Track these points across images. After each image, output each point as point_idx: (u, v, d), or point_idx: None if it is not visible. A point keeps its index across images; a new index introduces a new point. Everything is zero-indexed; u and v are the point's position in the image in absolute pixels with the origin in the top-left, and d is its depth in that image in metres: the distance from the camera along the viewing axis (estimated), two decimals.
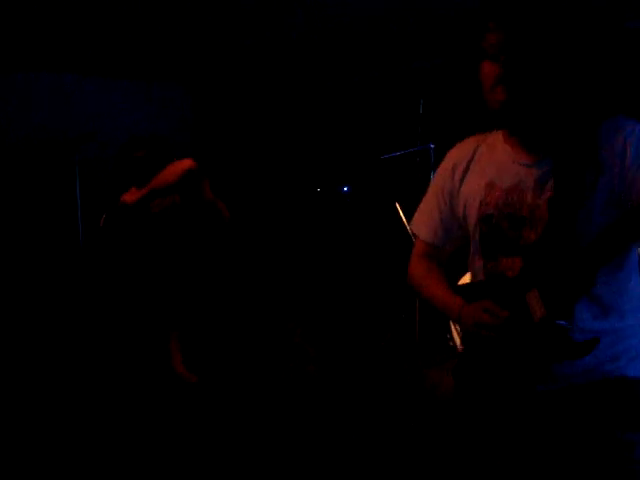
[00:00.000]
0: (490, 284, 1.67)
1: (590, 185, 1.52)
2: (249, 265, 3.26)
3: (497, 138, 1.73)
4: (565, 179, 1.54)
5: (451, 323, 4.04)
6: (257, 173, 6.79)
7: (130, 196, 3.17)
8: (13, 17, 4.33)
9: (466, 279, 2.79)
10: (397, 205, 4.26)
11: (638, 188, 1.48)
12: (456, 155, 1.82)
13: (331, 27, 4.99)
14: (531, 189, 1.60)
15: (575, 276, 1.50)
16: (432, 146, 4.32)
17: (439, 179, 1.84)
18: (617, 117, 1.56)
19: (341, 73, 6.84)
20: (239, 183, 6.43)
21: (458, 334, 3.78)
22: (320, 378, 2.81)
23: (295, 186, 6.68)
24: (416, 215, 1.93)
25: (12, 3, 4.08)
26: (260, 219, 6.31)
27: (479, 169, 1.74)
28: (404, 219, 4.27)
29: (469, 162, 1.77)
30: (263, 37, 5.24)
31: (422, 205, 1.90)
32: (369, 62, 6.37)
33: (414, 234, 1.93)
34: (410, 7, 4.51)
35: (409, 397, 3.95)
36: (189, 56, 5.88)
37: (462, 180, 1.77)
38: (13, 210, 5.68)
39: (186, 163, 3.24)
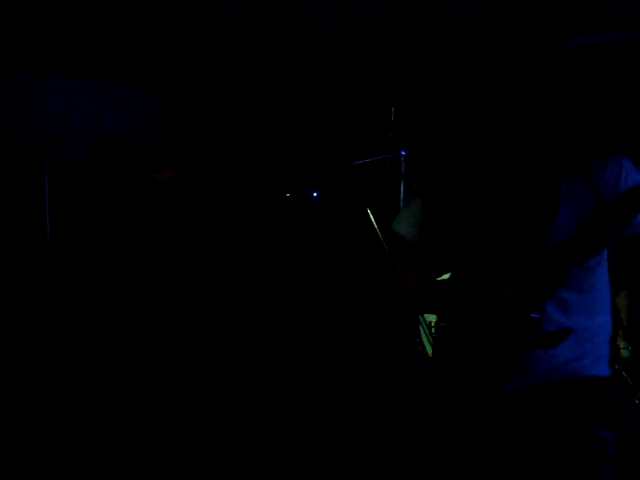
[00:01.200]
0: (469, 279, 1.78)
1: (563, 198, 1.64)
2: (218, 270, 3.24)
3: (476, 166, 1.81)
4: (541, 192, 1.65)
5: (421, 328, 4.07)
6: (226, 177, 6.79)
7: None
8: None
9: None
10: (368, 211, 4.29)
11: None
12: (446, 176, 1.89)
13: (304, 34, 5.02)
14: (511, 193, 1.71)
15: (547, 274, 1.62)
16: (403, 153, 4.36)
17: (427, 189, 1.91)
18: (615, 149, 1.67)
19: (313, 79, 6.87)
20: (208, 186, 6.42)
21: (428, 340, 3.81)
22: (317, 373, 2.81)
23: (264, 190, 6.68)
24: (398, 215, 2.03)
25: None
26: (229, 223, 6.30)
27: (468, 185, 1.81)
28: (375, 225, 4.30)
29: (459, 180, 1.84)
30: (236, 41, 5.25)
31: (406, 207, 2.01)
32: (341, 69, 6.41)
33: (394, 231, 2.01)
34: (386, 17, 4.55)
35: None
36: (159, 58, 5.86)
37: (452, 192, 1.84)
38: None
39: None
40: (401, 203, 4.49)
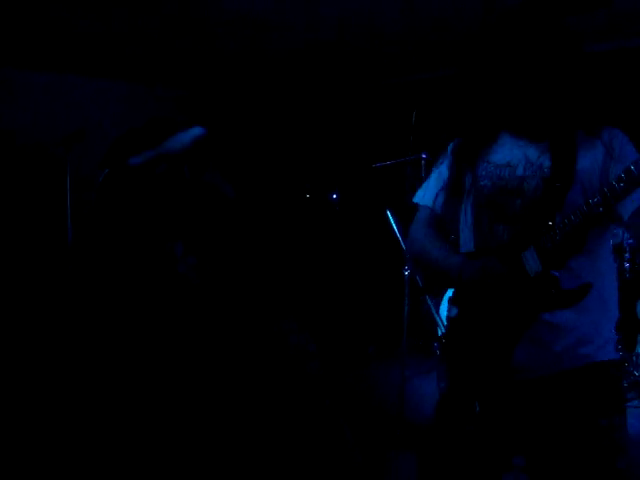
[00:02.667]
0: (481, 250, 1.84)
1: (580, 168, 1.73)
2: (241, 268, 3.23)
3: (487, 134, 1.89)
4: (560, 160, 1.74)
5: (439, 330, 4.06)
6: (246, 179, 6.81)
7: (137, 158, 3.04)
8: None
9: None
10: (388, 213, 4.28)
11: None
12: (458, 141, 1.98)
13: (325, 37, 5.03)
14: (522, 165, 1.79)
15: (569, 235, 1.67)
16: (424, 156, 4.34)
17: (442, 159, 1.99)
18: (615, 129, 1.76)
19: (336, 82, 6.88)
20: (227, 188, 6.43)
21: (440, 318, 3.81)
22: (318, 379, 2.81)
23: (284, 192, 6.69)
24: (419, 189, 2.05)
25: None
26: (249, 225, 6.31)
27: (480, 153, 1.90)
28: (395, 227, 4.29)
29: (470, 148, 1.92)
30: (254, 44, 5.27)
31: (426, 181, 2.05)
32: (363, 72, 6.41)
33: (416, 204, 2.04)
34: (406, 19, 4.55)
35: (393, 406, 3.96)
36: (177, 61, 5.89)
37: (464, 160, 1.93)
38: (1, 211, 5.66)
39: (196, 130, 3.13)
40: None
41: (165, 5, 4.28)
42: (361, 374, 4.98)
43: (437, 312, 4.04)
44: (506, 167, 1.80)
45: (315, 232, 6.21)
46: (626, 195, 1.58)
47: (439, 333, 4.08)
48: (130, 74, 6.45)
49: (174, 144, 3.07)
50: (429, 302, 3.95)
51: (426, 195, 2.00)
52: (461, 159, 1.90)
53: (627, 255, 4.38)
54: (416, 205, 2.04)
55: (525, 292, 1.72)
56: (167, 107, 6.94)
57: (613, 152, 1.69)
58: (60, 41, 5.14)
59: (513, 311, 1.74)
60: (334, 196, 6.03)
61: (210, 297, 3.06)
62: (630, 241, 4.27)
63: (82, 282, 5.09)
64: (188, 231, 3.11)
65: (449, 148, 1.97)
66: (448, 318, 1.92)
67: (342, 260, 6.28)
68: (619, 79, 4.97)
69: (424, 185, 2.03)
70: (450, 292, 2.29)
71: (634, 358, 4.32)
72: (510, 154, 1.82)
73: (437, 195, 1.95)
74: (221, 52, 5.58)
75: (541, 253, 1.69)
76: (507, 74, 1.72)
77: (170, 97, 7.00)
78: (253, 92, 7.17)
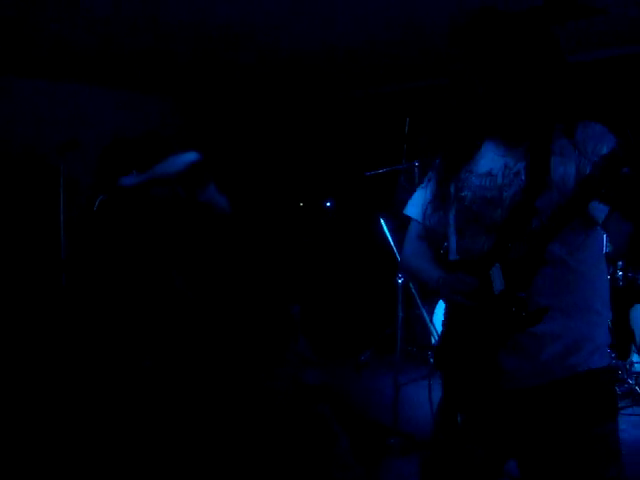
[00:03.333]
0: (462, 261, 1.83)
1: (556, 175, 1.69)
2: (230, 278, 3.22)
3: (475, 143, 1.89)
4: (535, 166, 1.71)
5: (432, 340, 4.06)
6: (240, 186, 6.81)
7: (129, 179, 3.03)
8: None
9: None
10: (382, 220, 4.28)
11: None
12: (446, 152, 1.96)
13: (319, 45, 5.04)
14: (501, 173, 1.77)
15: (529, 252, 1.64)
16: (417, 164, 4.35)
17: (431, 171, 1.98)
18: (591, 122, 1.72)
19: (328, 89, 6.89)
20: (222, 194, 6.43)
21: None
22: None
23: (278, 200, 6.69)
24: (409, 201, 2.04)
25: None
26: (243, 232, 6.31)
27: (464, 164, 1.89)
28: (388, 234, 4.29)
29: (456, 158, 1.91)
30: (250, 53, 5.28)
31: (416, 192, 2.03)
32: (357, 80, 6.43)
33: (407, 217, 2.04)
34: (398, 29, 4.57)
35: (387, 413, 3.96)
36: (173, 68, 5.90)
37: (450, 171, 1.91)
38: None
39: (190, 156, 3.11)
40: None
41: (160, 14, 4.29)
42: (354, 382, 4.98)
43: (430, 320, 4.04)
44: (487, 176, 1.79)
45: (309, 240, 6.21)
46: (593, 196, 1.54)
47: (432, 341, 4.08)
48: (125, 81, 6.45)
49: (167, 168, 3.05)
50: (422, 310, 3.95)
51: (415, 208, 2.00)
52: (446, 170, 1.89)
53: (620, 263, 4.39)
54: (408, 217, 2.05)
55: (492, 311, 1.70)
56: (161, 115, 6.95)
57: (586, 153, 1.66)
58: (56, 49, 5.15)
59: (490, 325, 1.72)
60: (328, 204, 6.03)
61: (206, 311, 3.05)
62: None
63: (75, 290, 5.08)
64: (185, 252, 3.10)
65: (437, 160, 1.96)
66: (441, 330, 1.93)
67: (335, 267, 6.28)
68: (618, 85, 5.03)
69: (414, 197, 2.03)
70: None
71: (627, 366, 4.32)
72: (491, 163, 1.80)
73: (426, 207, 1.93)
74: (216, 61, 5.59)
75: (506, 269, 1.67)
76: (478, 76, 1.70)
77: (164, 105, 7.01)
78: (247, 101, 7.18)
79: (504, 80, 1.68)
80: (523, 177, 1.72)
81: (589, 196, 1.53)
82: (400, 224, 4.45)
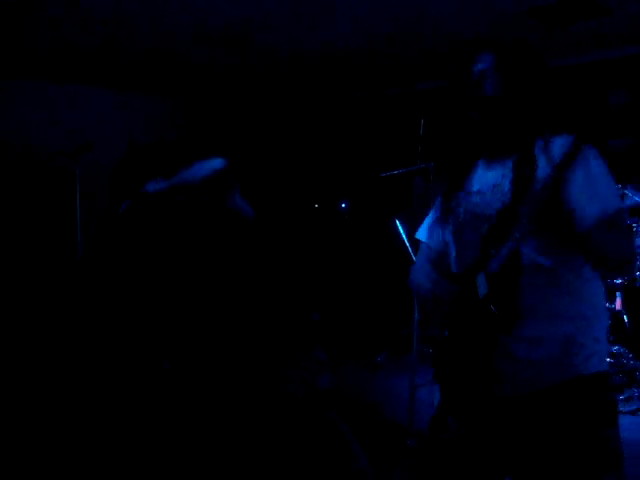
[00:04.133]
0: (459, 274, 1.92)
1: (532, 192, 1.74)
2: (245, 279, 3.22)
3: (477, 162, 1.98)
4: (518, 181, 1.78)
5: None
6: (254, 188, 6.82)
7: (155, 185, 3.01)
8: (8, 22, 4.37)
9: None
10: (397, 221, 4.28)
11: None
12: (454, 174, 2.04)
13: (335, 45, 5.05)
14: (490, 191, 1.86)
15: (508, 258, 1.72)
16: (432, 165, 4.34)
17: (439, 195, 2.07)
18: (569, 137, 1.75)
19: (344, 90, 6.90)
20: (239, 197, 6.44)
21: None
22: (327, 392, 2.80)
23: (293, 201, 6.70)
24: (421, 225, 2.14)
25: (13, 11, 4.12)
26: (264, 236, 6.32)
27: (465, 185, 1.98)
28: (403, 235, 4.29)
29: (461, 180, 2.00)
30: (263, 52, 5.29)
31: (427, 217, 2.12)
32: (372, 80, 6.43)
33: (418, 240, 2.14)
34: (413, 29, 4.56)
35: (403, 415, 3.96)
36: (185, 70, 5.92)
37: (455, 193, 2.00)
38: (10, 224, 5.68)
39: (216, 162, 3.09)
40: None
41: (170, 18, 4.32)
42: (370, 383, 4.97)
43: None
44: (477, 194, 1.88)
45: (324, 241, 6.21)
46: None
47: None
48: (135, 83, 6.49)
49: (193, 174, 3.03)
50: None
51: (422, 231, 2.10)
52: (446, 191, 2.00)
53: (639, 263, 4.35)
54: (418, 241, 2.16)
55: (477, 314, 1.76)
56: (169, 116, 6.98)
57: (554, 160, 1.71)
58: (67, 53, 5.18)
59: (477, 330, 1.77)
60: (343, 205, 6.04)
61: (225, 314, 3.05)
62: None
63: (91, 294, 5.10)
64: (208, 256, 3.09)
65: (441, 183, 2.10)
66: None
67: (351, 269, 6.28)
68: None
69: (424, 221, 2.12)
70: None
71: None
72: (481, 181, 1.89)
73: (431, 230, 2.05)
74: (224, 62, 5.60)
75: (489, 276, 1.74)
76: (473, 103, 1.83)
77: (172, 106, 7.04)
78: (261, 102, 7.19)
79: (494, 105, 1.80)
80: (507, 192, 1.79)
81: (546, 200, 1.64)
82: (415, 225, 4.45)
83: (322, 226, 6.26)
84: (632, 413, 3.98)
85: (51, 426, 3.69)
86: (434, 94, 6.12)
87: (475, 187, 1.90)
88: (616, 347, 4.28)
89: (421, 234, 2.11)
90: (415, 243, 3.88)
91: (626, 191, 4.28)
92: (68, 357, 4.20)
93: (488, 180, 1.87)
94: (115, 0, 3.91)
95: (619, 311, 4.39)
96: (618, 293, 4.43)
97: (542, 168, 1.72)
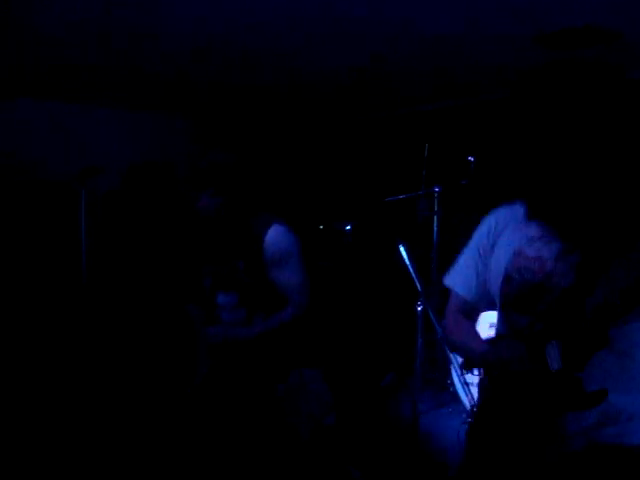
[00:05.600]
0: (512, 335, 1.80)
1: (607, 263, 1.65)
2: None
3: (520, 212, 1.84)
4: (588, 258, 1.68)
5: (452, 369, 4.03)
6: (259, 208, 6.81)
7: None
8: (15, 44, 4.39)
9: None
10: (401, 247, 4.27)
11: None
12: (492, 221, 1.93)
13: (338, 67, 5.06)
14: (551, 260, 1.73)
15: (591, 333, 1.62)
16: (437, 190, 4.34)
17: (477, 240, 1.95)
18: None
19: (348, 113, 6.91)
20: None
21: (461, 381, 3.76)
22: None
23: (297, 222, 6.69)
24: (452, 270, 2.02)
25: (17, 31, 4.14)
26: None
27: (509, 237, 1.86)
28: (407, 261, 4.27)
29: (502, 229, 1.89)
30: (269, 74, 5.30)
31: (459, 261, 2.00)
32: (375, 103, 6.44)
33: (449, 287, 2.02)
34: (416, 50, 4.57)
35: (403, 443, 3.93)
36: (193, 89, 5.94)
37: (494, 244, 1.90)
38: (15, 246, 5.68)
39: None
40: (434, 239, 4.47)
41: (176, 36, 4.33)
42: (374, 408, 4.95)
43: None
44: (536, 260, 1.76)
45: (328, 263, 6.20)
46: None
47: (452, 371, 4.04)
48: (142, 102, 6.50)
49: None
50: (442, 340, 3.92)
51: (458, 279, 1.99)
52: (491, 244, 1.89)
53: None
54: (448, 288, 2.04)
55: (546, 388, 1.68)
56: (178, 136, 7.00)
57: None
58: (74, 72, 5.20)
59: (545, 401, 1.70)
60: (347, 227, 6.03)
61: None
62: None
63: (98, 313, 5.11)
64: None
65: (484, 229, 1.93)
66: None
67: (353, 291, 6.26)
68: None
69: (456, 268, 2.01)
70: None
71: None
72: (540, 247, 1.76)
73: (469, 281, 1.94)
74: (232, 82, 5.62)
75: (564, 348, 1.64)
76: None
77: (185, 126, 7.06)
78: (267, 123, 7.21)
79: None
80: (576, 266, 1.70)
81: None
82: (418, 251, 4.44)
83: (326, 247, 6.25)
84: None
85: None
86: (438, 116, 6.14)
87: (533, 252, 1.76)
88: None
89: (454, 282, 2.00)
90: (419, 268, 3.86)
91: None
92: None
93: (548, 248, 1.75)
94: (119, 17, 3.91)
95: None
96: None
97: None
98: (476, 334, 1.94)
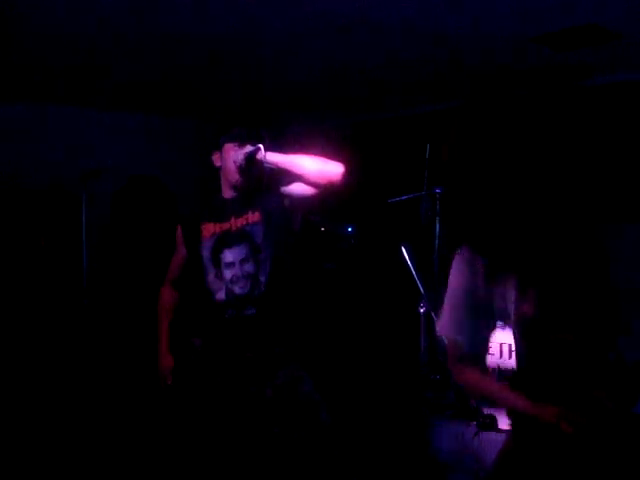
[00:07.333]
0: (542, 376, 1.73)
1: None
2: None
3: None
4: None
5: None
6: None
7: None
8: (15, 46, 4.38)
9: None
10: (403, 249, 4.25)
11: None
12: (468, 259, 1.87)
13: (339, 69, 5.03)
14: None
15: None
16: (438, 191, 4.32)
17: (462, 281, 1.87)
18: None
19: (349, 114, 6.89)
20: None
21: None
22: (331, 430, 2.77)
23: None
24: (443, 318, 1.94)
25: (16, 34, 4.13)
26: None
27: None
28: (409, 263, 4.26)
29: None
30: (270, 74, 5.29)
31: (447, 307, 1.92)
32: (378, 103, 6.41)
33: (446, 338, 1.95)
34: (418, 51, 4.55)
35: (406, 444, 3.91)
36: (196, 91, 5.92)
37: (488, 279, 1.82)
38: (15, 250, 5.68)
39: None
40: (436, 241, 4.44)
41: (177, 38, 4.32)
42: (375, 412, 4.93)
43: None
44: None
45: (330, 265, 6.18)
46: None
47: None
48: (145, 105, 6.49)
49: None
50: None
51: (451, 331, 1.91)
52: (491, 282, 1.80)
53: None
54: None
55: (608, 430, 1.63)
56: (184, 139, 6.98)
57: None
58: (73, 75, 5.19)
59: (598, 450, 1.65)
60: (349, 229, 6.01)
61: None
62: None
63: (98, 317, 5.10)
64: None
65: (472, 266, 1.84)
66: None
67: (357, 295, 6.23)
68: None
69: (447, 316, 1.93)
70: None
71: None
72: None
73: (465, 333, 1.87)
74: (236, 83, 5.60)
75: (610, 389, 1.62)
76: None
77: (187, 129, 7.04)
78: (266, 123, 7.18)
79: None
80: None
81: None
82: (421, 251, 4.42)
83: (328, 249, 6.23)
84: None
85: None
86: (440, 117, 6.10)
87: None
88: None
89: (447, 329, 1.93)
90: (421, 271, 3.83)
91: None
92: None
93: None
94: (118, 20, 3.90)
95: None
96: None
97: None
98: (507, 390, 1.84)
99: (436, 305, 4.17)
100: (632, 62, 4.75)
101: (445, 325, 1.92)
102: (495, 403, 1.98)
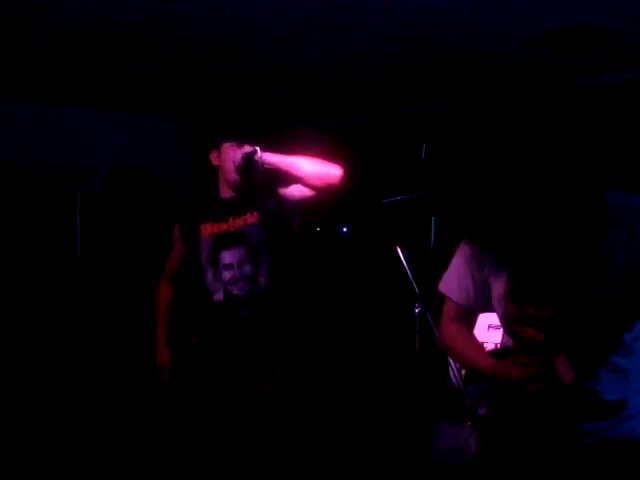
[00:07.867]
0: (518, 349, 1.76)
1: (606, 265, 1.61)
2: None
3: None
4: (580, 261, 1.63)
5: (450, 371, 4.00)
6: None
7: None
8: (11, 46, 4.36)
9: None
10: (398, 249, 4.24)
11: None
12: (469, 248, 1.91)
13: (335, 68, 5.03)
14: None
15: (601, 340, 1.59)
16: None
17: (467, 248, 1.91)
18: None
19: (344, 114, 6.89)
20: None
21: (460, 382, 3.74)
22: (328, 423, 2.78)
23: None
24: (446, 276, 1.99)
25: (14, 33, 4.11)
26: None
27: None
28: (404, 263, 4.25)
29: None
30: (265, 73, 5.28)
31: (452, 267, 1.97)
32: (374, 103, 6.41)
33: (443, 294, 1.99)
34: (414, 50, 4.55)
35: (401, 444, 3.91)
36: (191, 90, 5.91)
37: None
38: (10, 248, 5.66)
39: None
40: (432, 242, 4.44)
41: (173, 37, 4.31)
42: (372, 412, 4.93)
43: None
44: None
45: (325, 265, 6.18)
46: None
47: (450, 373, 4.02)
48: (141, 104, 6.47)
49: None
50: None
51: (452, 286, 1.95)
52: (490, 251, 1.82)
53: None
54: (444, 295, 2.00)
55: (562, 402, 1.65)
56: (179, 138, 6.97)
57: None
58: (71, 74, 5.18)
59: (557, 413, 1.67)
60: (344, 229, 6.01)
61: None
62: None
63: (92, 313, 5.10)
64: None
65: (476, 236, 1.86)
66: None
67: (352, 295, 6.23)
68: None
69: (450, 273, 1.97)
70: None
71: None
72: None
73: (465, 288, 1.90)
74: (230, 83, 5.60)
75: (573, 358, 1.60)
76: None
77: (182, 128, 7.03)
78: (261, 123, 7.16)
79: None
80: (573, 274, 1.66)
81: None
82: (416, 252, 4.41)
83: (323, 249, 6.22)
84: None
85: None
86: (436, 117, 6.10)
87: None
88: None
89: (449, 289, 1.97)
90: (416, 271, 3.83)
91: None
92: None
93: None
94: (115, 18, 3.89)
95: None
96: None
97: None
98: (481, 347, 1.94)
99: (431, 306, 4.17)
100: (632, 62, 4.76)
101: (446, 281, 1.98)
102: (464, 362, 2.01)
